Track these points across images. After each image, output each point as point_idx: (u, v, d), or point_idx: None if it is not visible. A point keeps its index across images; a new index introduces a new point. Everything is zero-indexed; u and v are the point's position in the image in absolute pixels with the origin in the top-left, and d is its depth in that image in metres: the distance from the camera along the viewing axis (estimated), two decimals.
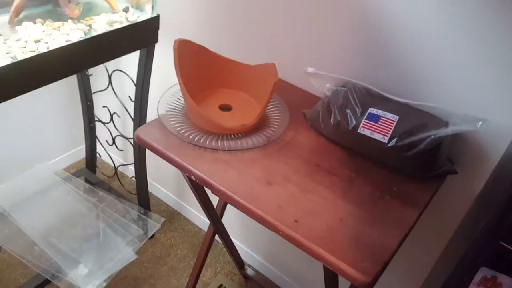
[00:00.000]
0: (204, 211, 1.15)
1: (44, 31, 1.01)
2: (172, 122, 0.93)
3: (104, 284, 1.38)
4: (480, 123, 0.79)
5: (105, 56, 1.10)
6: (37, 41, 0.98)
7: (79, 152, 1.95)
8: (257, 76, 1.01)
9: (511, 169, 0.77)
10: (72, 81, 1.60)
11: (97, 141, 1.74)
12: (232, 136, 0.92)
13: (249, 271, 1.58)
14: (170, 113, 0.96)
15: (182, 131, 0.91)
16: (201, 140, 0.89)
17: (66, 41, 1.00)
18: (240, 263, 1.55)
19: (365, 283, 0.68)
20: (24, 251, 1.41)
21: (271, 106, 1.01)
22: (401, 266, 1.21)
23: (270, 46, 1.16)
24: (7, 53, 0.93)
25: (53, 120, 1.79)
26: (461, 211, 1.02)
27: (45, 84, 0.98)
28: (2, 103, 0.94)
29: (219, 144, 0.89)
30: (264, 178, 0.84)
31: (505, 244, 0.58)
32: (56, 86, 1.69)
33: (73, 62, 1.03)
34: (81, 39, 1.02)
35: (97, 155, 1.80)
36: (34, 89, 0.96)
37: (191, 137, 0.90)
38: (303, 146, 0.94)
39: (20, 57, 0.92)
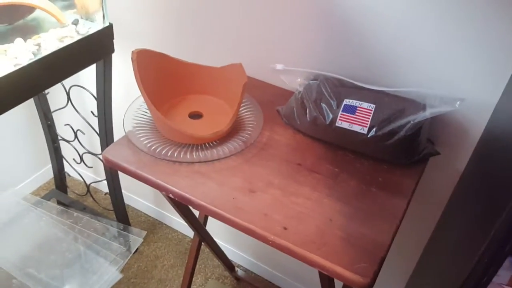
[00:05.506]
0: (187, 223, 1.10)
1: None
2: (141, 139, 0.88)
3: None
4: (458, 102, 0.78)
5: (60, 75, 1.03)
6: None
7: (47, 172, 1.86)
8: (224, 78, 0.96)
9: (495, 145, 0.75)
10: (29, 101, 1.50)
11: (64, 160, 1.66)
12: (207, 145, 0.88)
13: (239, 273, 1.55)
14: (138, 128, 0.91)
15: (153, 147, 0.86)
16: (175, 154, 0.84)
17: (15, 65, 0.93)
18: (230, 266, 1.52)
19: (364, 285, 0.66)
20: (1, 286, 1.33)
21: (243, 108, 0.97)
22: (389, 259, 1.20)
23: (235, 46, 1.11)
24: None
25: (14, 144, 1.69)
26: (446, 193, 1.01)
27: None
28: None
29: (194, 156, 0.84)
30: (246, 186, 0.80)
31: None
32: (13, 109, 1.60)
33: (25, 87, 0.95)
34: (31, 61, 0.95)
35: (66, 174, 1.71)
36: None
37: (163, 152, 0.85)
38: (282, 145, 0.90)
39: None
